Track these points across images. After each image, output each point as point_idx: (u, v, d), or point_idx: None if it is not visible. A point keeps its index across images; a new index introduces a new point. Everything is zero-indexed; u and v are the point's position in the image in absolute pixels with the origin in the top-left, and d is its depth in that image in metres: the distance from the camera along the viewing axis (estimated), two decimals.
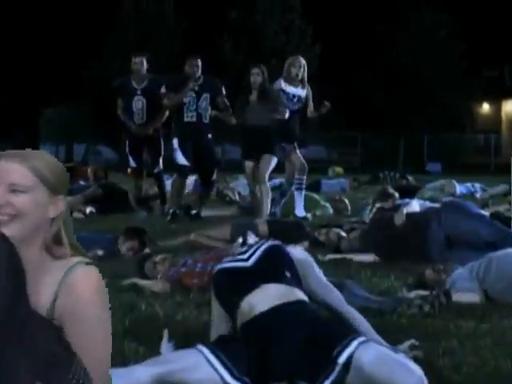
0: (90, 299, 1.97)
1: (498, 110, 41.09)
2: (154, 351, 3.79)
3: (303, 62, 9.28)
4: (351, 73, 35.63)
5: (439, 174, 25.36)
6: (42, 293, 1.96)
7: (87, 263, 2.03)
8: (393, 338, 3.81)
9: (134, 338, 4.06)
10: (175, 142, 9.20)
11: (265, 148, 8.88)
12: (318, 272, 3.50)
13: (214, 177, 9.48)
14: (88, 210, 10.35)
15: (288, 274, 3.27)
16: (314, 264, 3.52)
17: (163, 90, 9.24)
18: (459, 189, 13.00)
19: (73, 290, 1.96)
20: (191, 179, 10.14)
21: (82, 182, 15.10)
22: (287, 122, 9.16)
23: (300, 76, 9.21)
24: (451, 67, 36.60)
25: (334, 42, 34.73)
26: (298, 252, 3.52)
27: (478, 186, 14.33)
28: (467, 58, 36.08)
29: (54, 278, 1.98)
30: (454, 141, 36.25)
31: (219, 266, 3.48)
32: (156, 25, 35.46)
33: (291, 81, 9.19)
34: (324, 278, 3.51)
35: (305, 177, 9.54)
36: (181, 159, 9.19)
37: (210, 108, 9.25)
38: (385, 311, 4.52)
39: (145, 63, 9.89)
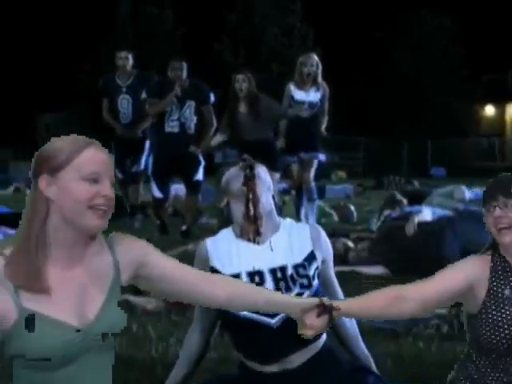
0: (145, 245, 2.15)
1: (502, 113, 40.77)
2: (144, 379, 3.43)
3: (316, 59, 8.30)
4: (353, 77, 35.36)
5: (443, 179, 25.08)
6: (102, 265, 2.03)
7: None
8: (409, 364, 3.45)
9: (123, 364, 3.68)
10: (150, 170, 8.32)
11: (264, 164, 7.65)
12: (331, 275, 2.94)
13: (200, 182, 8.40)
14: None
15: None
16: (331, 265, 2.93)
17: (144, 95, 8.34)
18: (467, 194, 12.62)
19: (131, 248, 2.09)
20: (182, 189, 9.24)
21: None
22: (297, 131, 8.13)
23: (313, 75, 8.19)
24: (454, 71, 36.36)
25: (336, 46, 34.47)
26: (325, 253, 2.84)
27: None
28: (470, 61, 35.85)
29: (103, 251, 2.04)
30: (457, 144, 35.96)
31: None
32: (154, 28, 35.18)
33: (302, 84, 8.23)
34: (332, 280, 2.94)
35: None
36: (155, 191, 8.26)
37: (195, 118, 8.12)
38: (399, 332, 4.14)
39: (130, 59, 9.18)
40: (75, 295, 1.95)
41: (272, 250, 2.74)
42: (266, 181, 2.86)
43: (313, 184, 8.49)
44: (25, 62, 34.54)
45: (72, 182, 1.92)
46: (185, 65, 8.15)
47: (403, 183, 16.55)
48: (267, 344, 2.64)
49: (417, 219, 6.21)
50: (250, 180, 2.80)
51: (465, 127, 36.66)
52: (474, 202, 11.76)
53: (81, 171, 1.92)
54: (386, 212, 8.19)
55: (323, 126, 8.36)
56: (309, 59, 8.29)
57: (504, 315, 2.48)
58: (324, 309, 2.28)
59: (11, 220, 9.07)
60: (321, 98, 8.31)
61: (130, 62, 9.25)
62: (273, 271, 2.70)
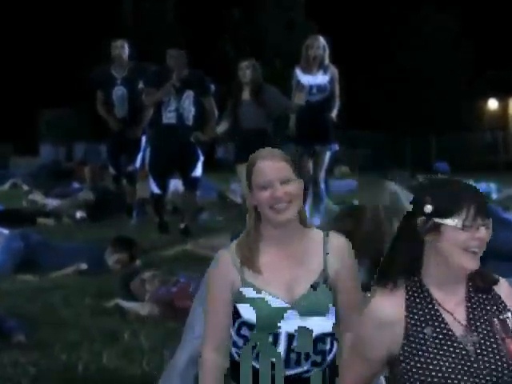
0: (353, 263, 2.42)
1: (505, 106, 40.53)
2: None
3: (323, 42, 7.94)
4: (357, 72, 35.12)
5: (447, 173, 24.79)
6: (313, 259, 2.38)
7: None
8: None
9: (109, 377, 3.36)
10: (148, 164, 8.07)
11: None
12: None
13: (198, 181, 8.15)
14: (78, 214, 9.56)
15: None
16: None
17: (141, 85, 8.02)
18: None
19: (340, 256, 2.38)
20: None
21: (76, 184, 14.42)
22: (309, 119, 7.74)
23: (319, 58, 7.82)
24: (455, 70, 36.22)
25: (337, 46, 34.26)
26: None
27: (493, 186, 13.59)
28: (473, 57, 35.67)
29: (316, 245, 2.39)
30: (461, 139, 35.77)
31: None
32: (156, 26, 34.89)
33: (309, 68, 7.83)
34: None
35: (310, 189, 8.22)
36: (153, 187, 7.94)
37: (193, 109, 7.76)
38: None
39: (126, 48, 8.87)
40: (284, 277, 2.33)
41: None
42: None
43: (323, 185, 8.14)
44: (26, 57, 34.38)
45: (255, 190, 2.37)
46: (183, 53, 7.79)
47: (407, 178, 16.20)
48: None
49: None
50: None
51: (468, 121, 36.49)
52: None
53: (254, 183, 2.37)
54: None
55: (335, 111, 8.01)
56: (315, 41, 7.95)
57: (429, 360, 2.04)
58: None
59: (2, 217, 8.76)
60: (329, 81, 7.94)
61: (126, 51, 8.89)
62: (290, 336, 2.32)
